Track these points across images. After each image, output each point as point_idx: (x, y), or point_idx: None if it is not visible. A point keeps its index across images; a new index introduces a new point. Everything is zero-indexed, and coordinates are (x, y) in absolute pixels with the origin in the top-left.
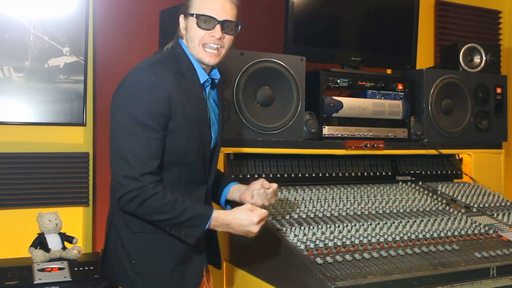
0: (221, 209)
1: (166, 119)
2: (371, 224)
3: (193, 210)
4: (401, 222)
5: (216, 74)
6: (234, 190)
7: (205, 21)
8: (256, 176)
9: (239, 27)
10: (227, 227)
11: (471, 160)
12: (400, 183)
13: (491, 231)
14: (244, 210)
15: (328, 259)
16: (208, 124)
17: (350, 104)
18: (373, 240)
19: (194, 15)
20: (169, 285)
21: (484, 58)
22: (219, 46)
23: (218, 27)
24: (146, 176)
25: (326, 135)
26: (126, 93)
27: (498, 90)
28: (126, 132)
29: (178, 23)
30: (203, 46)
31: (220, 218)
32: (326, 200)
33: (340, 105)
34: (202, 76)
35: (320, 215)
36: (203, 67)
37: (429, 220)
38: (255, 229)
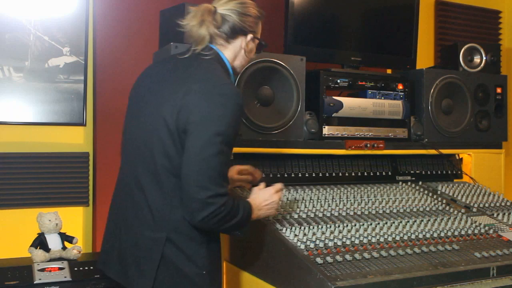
0: None
1: None
2: (371, 224)
3: (242, 205)
4: (401, 222)
5: None
6: None
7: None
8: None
9: None
10: (257, 210)
11: (471, 160)
12: (400, 183)
13: (491, 231)
14: (259, 190)
15: (328, 259)
16: None
17: (350, 104)
18: (373, 240)
19: (262, 42)
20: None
21: (484, 58)
22: None
23: None
24: (226, 191)
25: (326, 135)
26: (222, 109)
27: (498, 90)
28: (218, 151)
29: (230, 35)
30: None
31: (252, 203)
32: (326, 200)
33: (340, 105)
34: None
35: (320, 215)
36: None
37: (429, 220)
38: (276, 197)
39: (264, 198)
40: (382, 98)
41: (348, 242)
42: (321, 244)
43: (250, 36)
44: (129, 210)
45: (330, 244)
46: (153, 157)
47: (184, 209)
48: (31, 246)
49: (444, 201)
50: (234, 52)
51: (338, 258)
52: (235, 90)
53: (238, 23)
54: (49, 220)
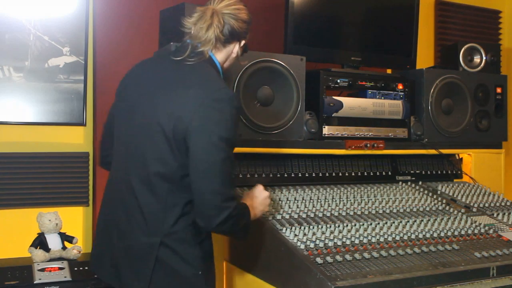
0: None
1: None
2: (371, 224)
3: (246, 207)
4: (401, 222)
5: None
6: None
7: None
8: (256, 176)
9: None
10: (252, 209)
11: (471, 160)
12: (400, 183)
13: (491, 231)
14: (250, 191)
15: (328, 259)
16: None
17: (350, 104)
18: (373, 240)
19: (247, 48)
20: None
21: (484, 58)
22: None
23: None
24: (235, 194)
25: (326, 135)
26: (221, 114)
27: (498, 90)
28: (226, 156)
29: (229, 39)
30: None
31: (248, 204)
32: (326, 200)
33: (340, 105)
34: None
35: (320, 215)
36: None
37: (429, 220)
38: (264, 193)
39: (256, 196)
40: (382, 98)
41: (348, 242)
42: (321, 244)
43: (243, 42)
44: (121, 215)
45: (330, 244)
46: (146, 162)
47: (198, 216)
48: (31, 246)
49: (444, 201)
50: (226, 56)
51: (338, 258)
52: (231, 94)
53: (236, 28)
54: (49, 220)
